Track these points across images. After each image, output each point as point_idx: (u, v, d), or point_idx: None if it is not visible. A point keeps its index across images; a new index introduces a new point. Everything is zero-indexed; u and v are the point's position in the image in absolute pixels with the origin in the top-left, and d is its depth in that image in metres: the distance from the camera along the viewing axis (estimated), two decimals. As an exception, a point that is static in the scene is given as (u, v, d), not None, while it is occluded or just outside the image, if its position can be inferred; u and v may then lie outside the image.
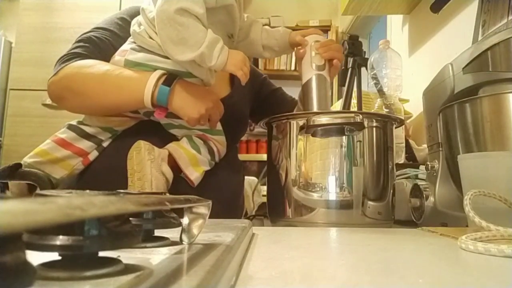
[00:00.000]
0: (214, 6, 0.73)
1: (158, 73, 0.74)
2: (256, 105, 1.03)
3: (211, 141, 0.82)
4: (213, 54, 0.70)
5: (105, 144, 0.81)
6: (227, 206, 0.87)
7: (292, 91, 0.94)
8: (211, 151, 0.82)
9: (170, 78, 0.74)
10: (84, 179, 0.82)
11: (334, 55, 0.81)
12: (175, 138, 0.81)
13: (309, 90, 0.78)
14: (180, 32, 0.69)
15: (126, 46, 0.80)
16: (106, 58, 0.80)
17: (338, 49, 0.83)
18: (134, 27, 0.79)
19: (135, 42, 0.78)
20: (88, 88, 0.77)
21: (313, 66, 0.79)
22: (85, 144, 0.79)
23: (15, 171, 0.68)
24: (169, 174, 0.73)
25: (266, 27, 0.89)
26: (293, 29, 0.88)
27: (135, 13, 0.91)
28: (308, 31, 0.85)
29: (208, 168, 0.81)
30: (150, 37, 0.76)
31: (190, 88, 0.75)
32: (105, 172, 0.79)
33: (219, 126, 0.84)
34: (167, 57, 0.75)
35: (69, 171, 0.78)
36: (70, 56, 0.79)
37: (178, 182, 0.76)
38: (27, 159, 0.75)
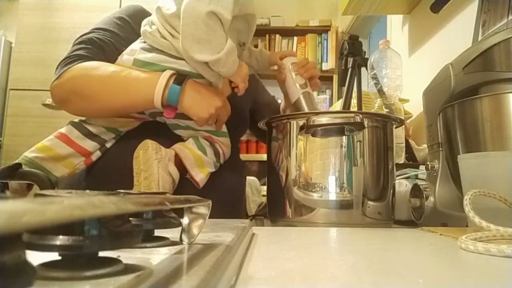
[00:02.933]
0: (237, 14, 0.73)
1: (168, 72, 0.74)
2: (254, 109, 1.03)
3: (217, 143, 0.82)
4: (228, 62, 0.72)
5: (108, 145, 0.81)
6: (230, 207, 0.87)
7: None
8: (216, 153, 0.82)
9: (180, 78, 0.74)
10: (89, 180, 0.81)
11: (313, 73, 0.89)
12: (180, 139, 0.81)
13: (301, 106, 0.84)
14: (204, 32, 0.69)
15: (136, 45, 0.79)
16: (109, 59, 0.79)
17: (314, 66, 0.91)
18: (145, 27, 0.79)
19: (145, 42, 0.78)
20: (94, 90, 0.76)
21: (297, 86, 0.85)
22: (88, 144, 0.78)
23: (15, 171, 0.68)
24: (176, 175, 0.73)
25: (249, 45, 0.91)
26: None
27: (134, 12, 0.90)
28: (284, 53, 0.91)
29: (213, 170, 0.81)
30: (163, 37, 0.76)
31: (200, 88, 0.76)
32: (110, 173, 0.79)
33: (224, 128, 0.84)
34: (178, 58, 0.75)
35: (71, 170, 0.77)
36: (73, 58, 0.78)
37: (183, 183, 0.76)
38: (28, 154, 0.74)
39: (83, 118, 0.81)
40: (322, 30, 3.39)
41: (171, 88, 0.72)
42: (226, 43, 0.71)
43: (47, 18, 2.97)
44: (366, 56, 1.40)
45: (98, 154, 0.80)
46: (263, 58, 0.92)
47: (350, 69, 1.37)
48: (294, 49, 3.35)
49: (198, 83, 0.76)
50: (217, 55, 0.70)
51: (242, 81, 0.77)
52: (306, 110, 0.83)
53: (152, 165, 0.69)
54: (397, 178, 0.86)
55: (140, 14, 0.88)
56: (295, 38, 3.41)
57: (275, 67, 0.90)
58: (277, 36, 3.40)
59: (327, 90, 3.34)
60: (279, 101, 1.06)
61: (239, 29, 0.78)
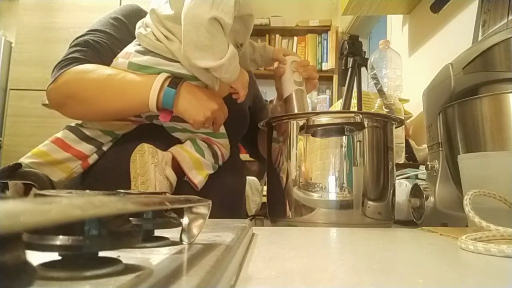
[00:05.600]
0: (234, 15, 0.72)
1: (163, 75, 0.73)
2: (250, 111, 1.03)
3: (215, 145, 0.82)
4: (231, 68, 0.72)
5: (105, 148, 0.80)
6: (231, 208, 0.87)
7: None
8: (215, 155, 0.81)
9: (175, 81, 0.73)
10: (86, 183, 0.80)
11: (312, 74, 0.89)
12: (177, 141, 0.80)
13: (291, 102, 0.85)
14: (206, 39, 0.68)
15: (131, 48, 0.78)
16: (105, 62, 0.78)
17: (314, 69, 0.92)
18: (140, 29, 0.78)
19: (140, 45, 0.77)
20: (90, 94, 0.75)
21: (293, 81, 0.87)
22: (85, 147, 0.78)
23: (15, 171, 0.68)
24: (173, 178, 0.73)
25: (251, 41, 0.92)
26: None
27: (130, 12, 0.89)
28: (289, 52, 0.94)
29: (212, 171, 0.81)
30: (158, 39, 0.75)
31: (196, 91, 0.75)
32: (107, 176, 0.78)
33: (222, 129, 0.83)
34: (173, 60, 0.75)
35: (68, 174, 0.77)
36: (69, 61, 0.77)
37: (182, 186, 0.75)
38: (24, 160, 0.74)
39: (79, 122, 0.81)
40: (322, 30, 3.39)
41: (166, 91, 0.72)
42: (228, 49, 0.70)
43: (47, 18, 2.98)
44: (366, 56, 1.40)
45: (95, 157, 0.79)
46: (267, 53, 0.93)
47: (350, 69, 1.37)
48: (294, 49, 3.35)
49: (194, 86, 0.75)
50: (219, 61, 0.69)
51: (243, 87, 0.77)
52: (295, 107, 0.83)
53: (149, 169, 0.68)
54: (397, 178, 0.86)
55: (137, 14, 0.87)
56: (295, 38, 3.41)
57: (277, 63, 0.91)
58: (277, 36, 3.40)
59: (327, 90, 3.34)
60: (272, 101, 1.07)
61: (236, 29, 0.77)
